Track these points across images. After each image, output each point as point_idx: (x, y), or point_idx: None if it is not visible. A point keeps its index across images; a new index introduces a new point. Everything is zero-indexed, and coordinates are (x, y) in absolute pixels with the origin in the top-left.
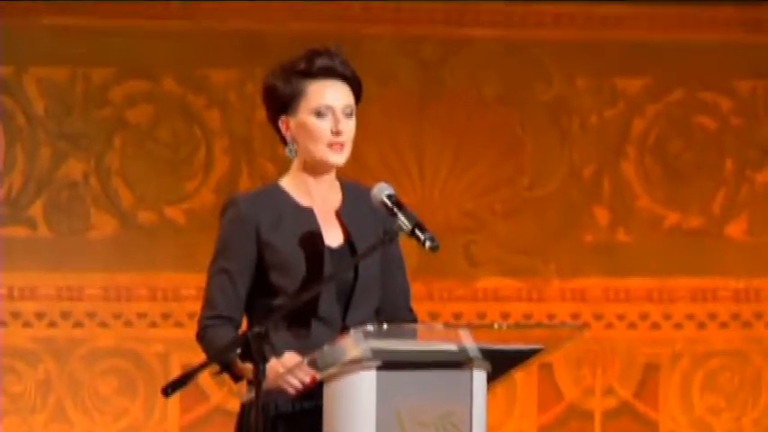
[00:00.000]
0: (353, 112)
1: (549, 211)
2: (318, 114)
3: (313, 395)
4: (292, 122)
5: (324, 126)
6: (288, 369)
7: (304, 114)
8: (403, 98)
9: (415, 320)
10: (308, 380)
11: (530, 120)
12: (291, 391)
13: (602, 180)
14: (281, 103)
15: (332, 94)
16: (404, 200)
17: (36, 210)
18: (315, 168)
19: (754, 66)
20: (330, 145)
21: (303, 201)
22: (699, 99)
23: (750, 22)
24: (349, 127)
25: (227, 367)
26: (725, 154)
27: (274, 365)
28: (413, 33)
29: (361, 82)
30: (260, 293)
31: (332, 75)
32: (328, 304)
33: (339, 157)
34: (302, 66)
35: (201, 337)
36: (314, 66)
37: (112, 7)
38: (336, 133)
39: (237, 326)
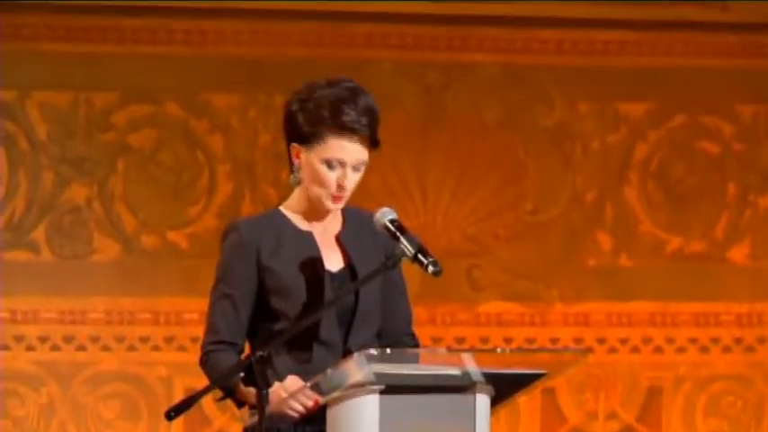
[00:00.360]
0: (365, 164)
1: (552, 236)
2: (329, 165)
3: (315, 419)
4: (303, 156)
5: (331, 177)
6: (291, 394)
7: (316, 158)
8: (406, 123)
9: (416, 345)
10: (310, 404)
11: (532, 145)
12: (294, 415)
13: (605, 205)
14: (297, 134)
15: (347, 152)
16: (406, 224)
17: (39, 234)
18: (313, 202)
19: (756, 91)
20: (332, 195)
21: (303, 225)
22: (701, 124)
23: (752, 48)
24: (354, 180)
25: (231, 392)
26: (727, 179)
27: (277, 390)
28: (416, 59)
29: (379, 139)
30: (262, 318)
31: (353, 132)
32: (329, 328)
33: (336, 206)
34: (327, 113)
35: (205, 362)
36: (338, 119)
37: (115, 32)
38: (341, 187)
39: (240, 351)
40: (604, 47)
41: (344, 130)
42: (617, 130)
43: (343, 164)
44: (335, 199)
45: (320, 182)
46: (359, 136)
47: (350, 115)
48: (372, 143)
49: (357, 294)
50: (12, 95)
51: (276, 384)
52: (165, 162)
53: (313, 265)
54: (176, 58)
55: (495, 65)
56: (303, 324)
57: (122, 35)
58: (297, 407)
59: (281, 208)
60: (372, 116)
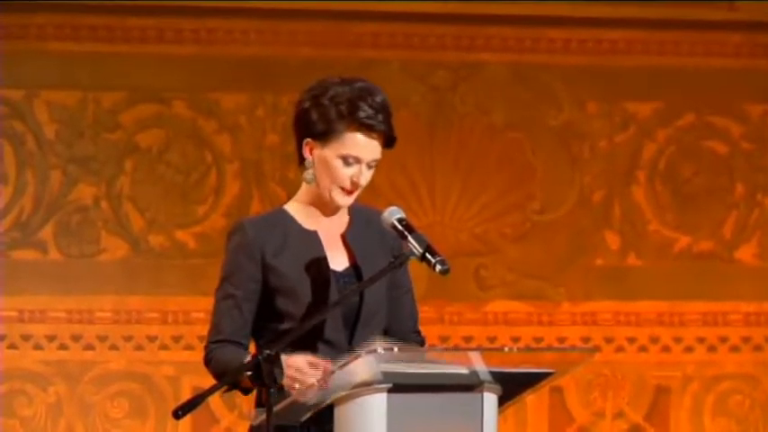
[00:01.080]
0: (377, 162)
1: (560, 236)
2: (345, 161)
3: (322, 420)
4: (317, 152)
5: (346, 173)
6: (297, 368)
7: (331, 154)
8: (413, 123)
9: (422, 343)
10: (320, 373)
11: (540, 144)
12: (306, 387)
13: (613, 204)
14: (311, 130)
15: (364, 149)
16: (414, 224)
17: (46, 233)
18: (323, 198)
19: (764, 90)
20: (344, 190)
21: (308, 224)
22: (709, 124)
23: (760, 47)
24: (368, 177)
25: (237, 384)
26: (735, 178)
27: (288, 371)
28: (423, 58)
29: (395, 137)
30: (267, 318)
31: (371, 129)
32: (334, 328)
33: (348, 200)
34: (344, 109)
35: (209, 360)
36: (356, 115)
37: (122, 32)
38: (354, 184)
39: (245, 350)
40: (612, 46)
41: (362, 126)
42: (625, 130)
43: (359, 161)
44: (347, 193)
45: (334, 178)
46: (376, 133)
47: (367, 112)
48: (388, 141)
49: (362, 294)
50: (19, 95)
51: (285, 362)
52: (172, 162)
53: (318, 264)
54: (184, 57)
55: (503, 64)
56: (308, 324)
57: (130, 34)
58: (309, 381)
59: (286, 207)
60: (388, 113)
